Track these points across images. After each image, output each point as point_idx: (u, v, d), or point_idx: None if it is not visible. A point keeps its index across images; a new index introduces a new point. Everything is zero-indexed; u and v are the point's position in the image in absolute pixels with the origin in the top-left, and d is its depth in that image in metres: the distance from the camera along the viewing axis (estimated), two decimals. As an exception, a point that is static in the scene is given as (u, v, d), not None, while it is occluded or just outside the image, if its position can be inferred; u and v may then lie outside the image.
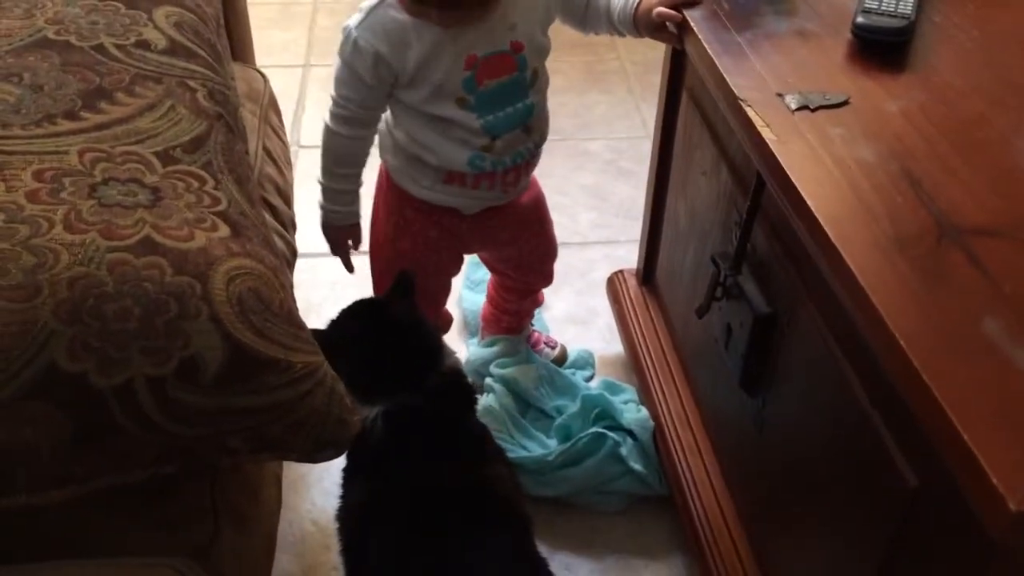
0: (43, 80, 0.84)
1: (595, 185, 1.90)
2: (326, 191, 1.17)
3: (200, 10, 1.05)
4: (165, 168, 0.79)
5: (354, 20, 1.05)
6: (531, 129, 1.13)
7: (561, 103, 2.10)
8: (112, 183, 0.74)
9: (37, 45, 0.89)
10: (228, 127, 0.91)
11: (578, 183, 1.90)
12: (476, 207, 1.18)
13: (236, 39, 1.35)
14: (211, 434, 0.68)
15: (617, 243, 1.74)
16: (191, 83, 0.91)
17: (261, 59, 1.67)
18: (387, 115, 1.15)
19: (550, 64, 1.14)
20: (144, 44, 0.93)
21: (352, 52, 1.05)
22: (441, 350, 1.02)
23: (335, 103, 1.11)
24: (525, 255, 1.31)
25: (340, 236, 1.22)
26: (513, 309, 1.43)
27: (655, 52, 1.19)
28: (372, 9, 1.04)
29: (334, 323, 1.06)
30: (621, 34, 1.11)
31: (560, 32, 1.14)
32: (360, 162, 1.15)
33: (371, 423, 0.95)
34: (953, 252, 0.70)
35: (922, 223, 0.73)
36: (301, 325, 0.74)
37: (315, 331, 1.01)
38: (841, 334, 0.80)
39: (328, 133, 1.13)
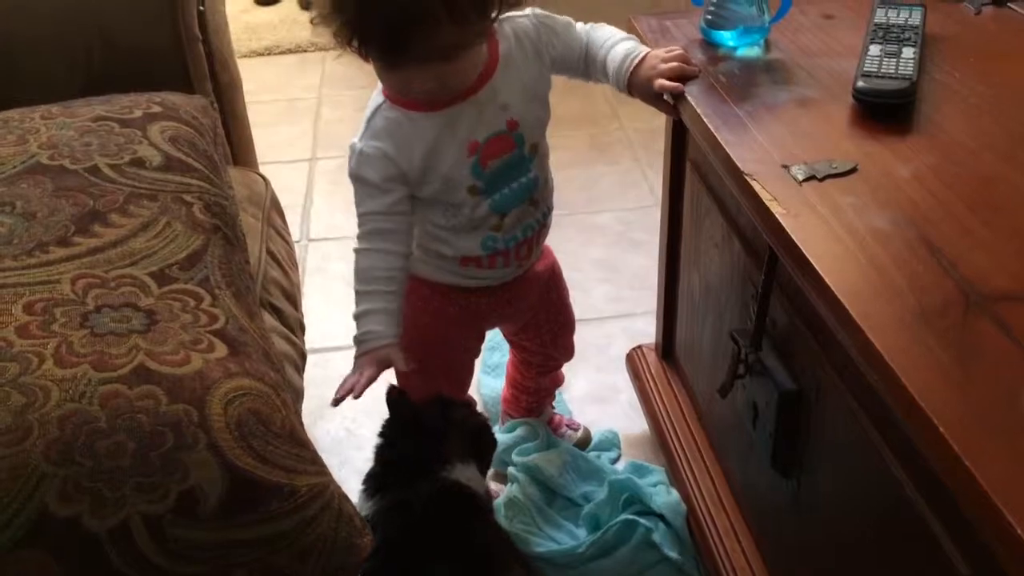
0: (36, 207, 0.83)
1: (607, 258, 1.87)
2: (356, 319, 1.06)
3: (196, 122, 1.05)
4: (160, 289, 0.77)
5: (357, 136, 1.04)
6: (537, 201, 1.12)
7: (567, 177, 2.09)
8: (105, 310, 0.72)
9: (30, 171, 0.88)
10: (226, 238, 0.90)
11: (589, 257, 1.87)
12: (493, 283, 1.16)
13: (236, 143, 1.36)
14: (214, 570, 0.65)
15: (634, 316, 1.70)
16: (187, 197, 0.90)
17: (268, 155, 1.68)
18: None
19: (553, 140, 1.12)
20: (139, 162, 0.92)
21: (359, 162, 1.02)
22: (441, 460, 1.00)
23: (358, 225, 1.05)
24: (544, 324, 1.29)
25: (365, 360, 1.05)
26: (533, 387, 1.39)
27: (658, 119, 1.17)
28: (370, 119, 1.03)
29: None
30: (611, 86, 1.09)
31: (560, 106, 1.13)
32: (386, 277, 1.05)
33: (370, 520, 0.95)
34: (982, 322, 0.67)
35: (947, 293, 0.69)
36: (304, 443, 0.71)
37: (401, 402, 1.06)
38: (873, 411, 0.76)
39: (355, 257, 1.06)
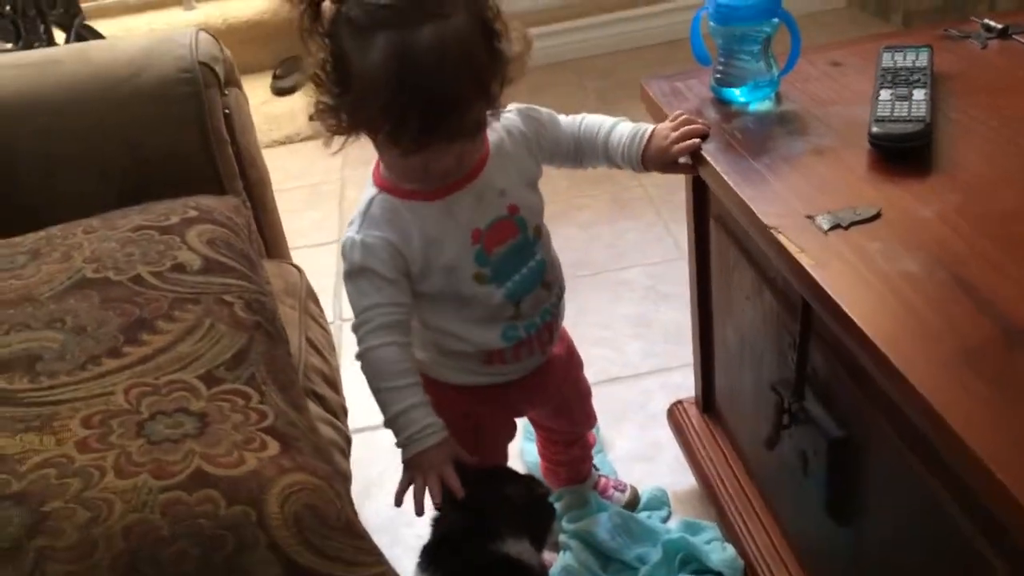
0: (85, 321, 0.86)
1: (638, 313, 1.88)
2: (390, 423, 1.01)
3: (231, 222, 1.09)
4: (210, 390, 0.79)
5: (351, 230, 1.00)
6: (550, 283, 1.11)
7: (592, 236, 2.11)
8: (159, 417, 0.74)
9: (77, 286, 0.91)
10: (267, 334, 0.92)
11: (620, 314, 1.88)
12: (520, 376, 1.16)
13: (269, 237, 1.39)
14: (282, 669, 0.66)
15: (670, 370, 1.70)
16: (227, 298, 0.93)
17: (296, 240, 1.71)
18: None
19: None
20: (180, 267, 0.95)
21: (364, 253, 0.98)
22: (492, 534, 1.01)
23: (358, 325, 1.00)
24: (570, 402, 1.29)
25: (430, 461, 0.99)
26: (565, 460, 1.39)
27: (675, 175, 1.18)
28: (365, 211, 1.01)
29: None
30: (619, 167, 1.10)
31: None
32: (410, 369, 1.01)
33: None
34: (1025, 359, 0.67)
35: (986, 332, 0.70)
36: (361, 534, 0.72)
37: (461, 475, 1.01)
38: (923, 452, 0.75)
39: (361, 360, 1.00)
